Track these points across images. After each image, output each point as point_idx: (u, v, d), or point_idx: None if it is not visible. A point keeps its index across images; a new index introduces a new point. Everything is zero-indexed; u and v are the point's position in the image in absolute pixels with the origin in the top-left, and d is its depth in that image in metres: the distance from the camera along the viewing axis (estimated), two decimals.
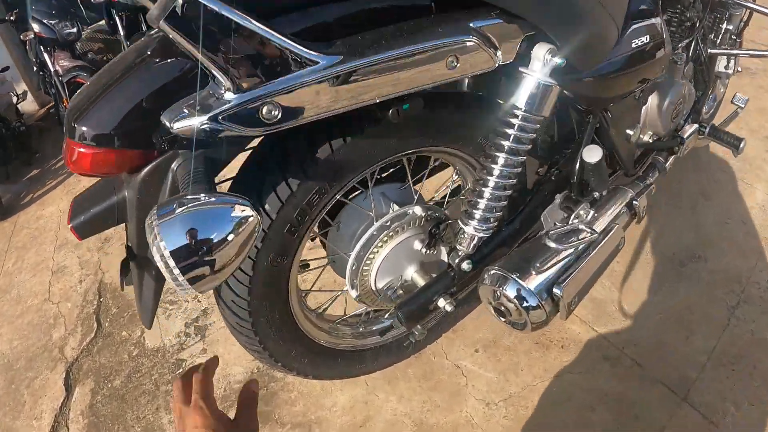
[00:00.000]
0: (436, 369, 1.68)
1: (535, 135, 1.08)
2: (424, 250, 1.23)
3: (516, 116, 1.05)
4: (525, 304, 1.07)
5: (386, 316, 1.54)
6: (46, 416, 1.83)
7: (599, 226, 1.27)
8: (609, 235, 1.28)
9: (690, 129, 1.83)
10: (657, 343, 1.70)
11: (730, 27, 2.00)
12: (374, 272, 1.24)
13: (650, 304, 1.82)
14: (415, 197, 1.29)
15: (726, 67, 2.03)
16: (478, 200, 1.11)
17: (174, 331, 1.98)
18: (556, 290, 1.09)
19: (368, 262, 1.24)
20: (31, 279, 2.48)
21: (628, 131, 1.55)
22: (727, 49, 1.99)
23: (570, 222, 1.26)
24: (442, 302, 1.19)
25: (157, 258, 0.69)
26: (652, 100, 1.62)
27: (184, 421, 0.77)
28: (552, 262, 1.13)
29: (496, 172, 1.08)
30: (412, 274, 1.27)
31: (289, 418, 1.63)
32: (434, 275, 1.24)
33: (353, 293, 1.30)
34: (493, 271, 1.12)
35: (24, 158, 3.77)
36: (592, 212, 1.29)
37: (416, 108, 0.94)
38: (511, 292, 1.08)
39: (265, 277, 1.13)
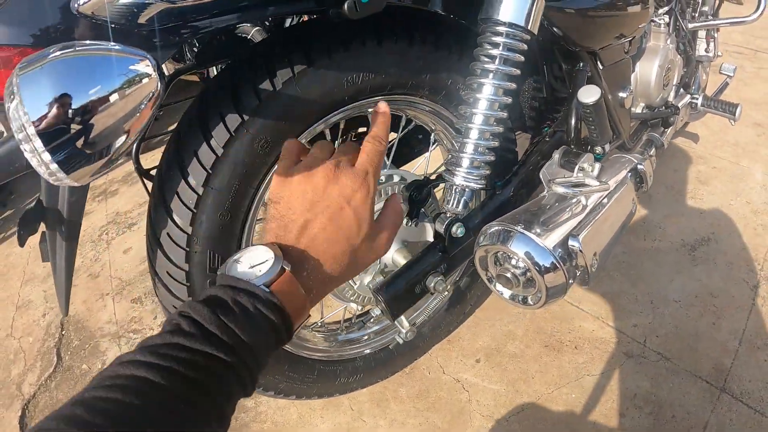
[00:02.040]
0: (432, 386, 1.41)
1: (523, 58, 0.89)
2: (404, 222, 1.00)
3: (500, 33, 0.86)
4: (536, 263, 0.84)
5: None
6: None
7: (608, 181, 1.07)
8: (621, 191, 1.08)
9: (683, 98, 1.72)
10: (681, 333, 1.49)
11: (705, 8, 1.95)
12: None
13: (667, 292, 1.61)
14: (388, 164, 1.07)
15: (707, 51, 1.95)
16: (465, 141, 0.90)
17: None
18: (572, 242, 0.86)
19: None
20: None
21: (621, 94, 1.40)
22: (706, 21, 1.90)
23: (575, 175, 1.05)
24: (431, 281, 0.95)
25: (14, 127, 0.47)
26: (642, 63, 1.55)
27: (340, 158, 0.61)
28: (562, 213, 0.92)
29: (482, 104, 0.88)
30: (392, 255, 1.04)
31: None
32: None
33: None
34: (493, 228, 0.89)
35: None
36: (597, 166, 1.09)
37: (377, 3, 0.73)
38: (517, 247, 0.85)
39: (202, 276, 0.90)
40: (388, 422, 1.34)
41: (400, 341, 1.09)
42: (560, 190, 0.92)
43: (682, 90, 1.79)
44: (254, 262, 0.53)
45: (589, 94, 1.08)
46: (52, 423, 0.38)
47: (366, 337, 1.29)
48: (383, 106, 0.67)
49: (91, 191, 2.91)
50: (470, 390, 1.39)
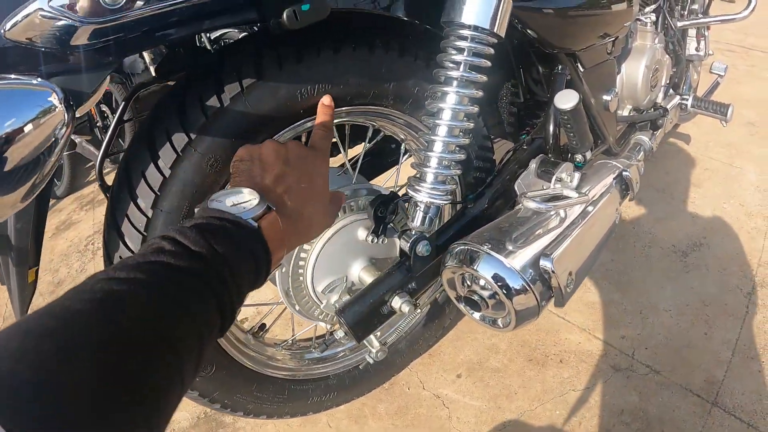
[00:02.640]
0: (411, 402, 1.36)
1: (489, 64, 0.84)
2: (370, 239, 0.95)
3: (464, 37, 0.81)
4: (504, 285, 0.79)
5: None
6: None
7: (588, 191, 1.02)
8: (602, 202, 1.03)
9: (672, 99, 1.66)
10: (672, 344, 1.43)
11: (695, 6, 1.90)
12: (310, 271, 0.95)
13: (657, 302, 1.55)
14: (354, 177, 1.02)
15: (697, 50, 1.90)
16: (429, 155, 0.84)
17: None
18: (544, 263, 0.81)
19: (301, 261, 0.96)
20: None
21: (605, 97, 1.35)
22: (695, 19, 1.85)
23: (552, 186, 1.00)
24: (397, 302, 0.90)
25: None
26: (628, 63, 1.49)
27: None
28: (535, 229, 0.87)
29: (446, 114, 0.83)
30: (359, 273, 0.99)
31: None
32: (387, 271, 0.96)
33: (290, 304, 1.01)
34: (458, 248, 0.84)
35: None
36: (576, 175, 1.03)
37: (320, 11, 0.68)
38: (484, 270, 0.80)
39: None
40: None
41: (371, 361, 1.04)
42: (532, 205, 0.87)
43: (671, 91, 1.74)
44: (237, 201, 0.53)
45: (566, 100, 1.03)
46: (11, 331, 0.34)
47: (341, 354, 1.24)
48: (327, 100, 0.79)
49: (79, 200, 2.87)
50: (451, 406, 1.34)
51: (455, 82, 0.83)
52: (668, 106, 1.62)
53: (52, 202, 2.78)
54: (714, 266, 1.66)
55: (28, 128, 0.50)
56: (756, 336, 1.43)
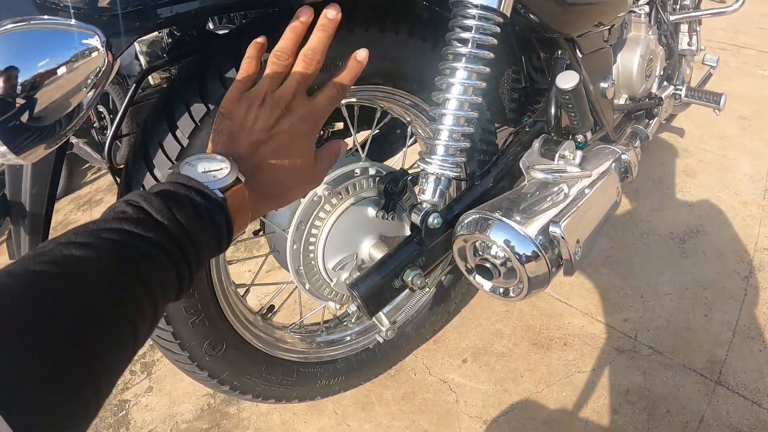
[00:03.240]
0: (418, 387, 1.37)
1: (496, 42, 0.86)
2: (380, 216, 0.97)
3: (472, 16, 0.83)
4: (516, 251, 0.81)
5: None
6: None
7: (591, 169, 1.05)
8: (605, 179, 1.05)
9: (666, 90, 1.70)
10: (673, 326, 1.45)
11: (687, 2, 1.94)
12: (321, 248, 0.97)
13: (657, 286, 1.58)
14: (363, 156, 1.04)
15: (689, 44, 1.94)
16: (439, 128, 0.86)
17: None
18: (553, 229, 0.83)
19: (312, 238, 0.97)
20: None
21: (603, 84, 1.37)
22: (687, 12, 1.89)
23: (555, 162, 1.02)
24: (408, 275, 0.91)
25: None
26: (623, 53, 1.52)
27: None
28: (543, 201, 0.89)
29: (455, 89, 0.85)
30: (370, 250, 1.00)
31: None
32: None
33: (300, 283, 1.03)
34: (470, 217, 0.86)
35: None
36: (578, 153, 1.06)
37: None
38: (496, 236, 0.81)
39: None
40: (373, 426, 1.30)
41: (381, 340, 1.05)
42: (540, 175, 0.89)
43: (665, 82, 1.78)
44: (208, 169, 0.53)
45: (567, 80, 1.05)
46: None
47: (348, 338, 1.26)
48: (362, 53, 0.68)
49: (76, 201, 2.87)
50: (457, 391, 1.35)
51: (464, 59, 0.85)
52: (663, 96, 1.66)
53: None
54: (711, 252, 1.69)
55: (67, 68, 0.50)
56: (756, 317, 1.46)
